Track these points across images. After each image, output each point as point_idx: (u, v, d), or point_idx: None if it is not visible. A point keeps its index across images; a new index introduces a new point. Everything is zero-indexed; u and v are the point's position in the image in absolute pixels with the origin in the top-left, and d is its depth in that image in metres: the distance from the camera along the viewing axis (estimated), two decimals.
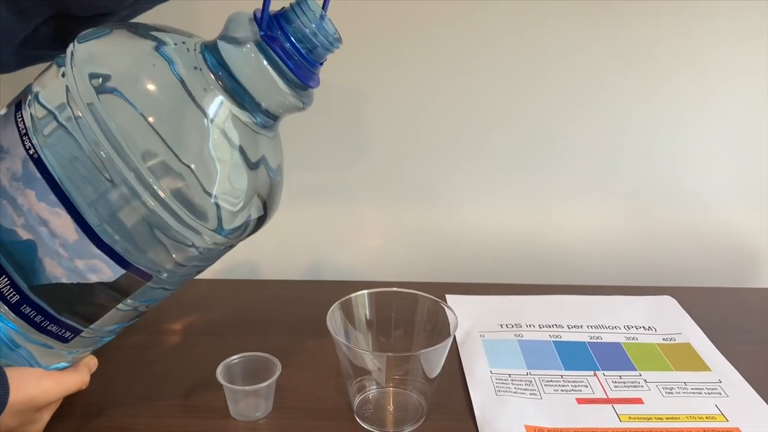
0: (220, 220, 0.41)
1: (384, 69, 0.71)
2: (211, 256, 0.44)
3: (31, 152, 0.39)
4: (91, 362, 0.49)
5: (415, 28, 0.69)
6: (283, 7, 0.42)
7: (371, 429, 0.50)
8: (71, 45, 0.40)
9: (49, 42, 0.42)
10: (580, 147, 0.75)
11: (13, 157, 0.39)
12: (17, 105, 0.41)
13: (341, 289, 0.54)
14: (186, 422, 0.50)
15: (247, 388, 0.50)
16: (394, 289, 0.53)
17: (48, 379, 0.44)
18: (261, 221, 0.44)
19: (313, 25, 0.41)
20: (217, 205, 0.40)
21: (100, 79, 0.38)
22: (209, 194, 0.40)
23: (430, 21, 0.69)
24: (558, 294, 0.69)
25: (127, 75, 0.39)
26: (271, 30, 0.40)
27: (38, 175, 0.38)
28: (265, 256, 0.77)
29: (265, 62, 0.40)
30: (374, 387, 0.50)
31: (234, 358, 0.52)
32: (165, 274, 0.42)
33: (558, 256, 0.79)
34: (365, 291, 0.54)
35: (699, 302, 0.69)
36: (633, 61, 0.71)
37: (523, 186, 0.76)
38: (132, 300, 0.43)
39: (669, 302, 0.69)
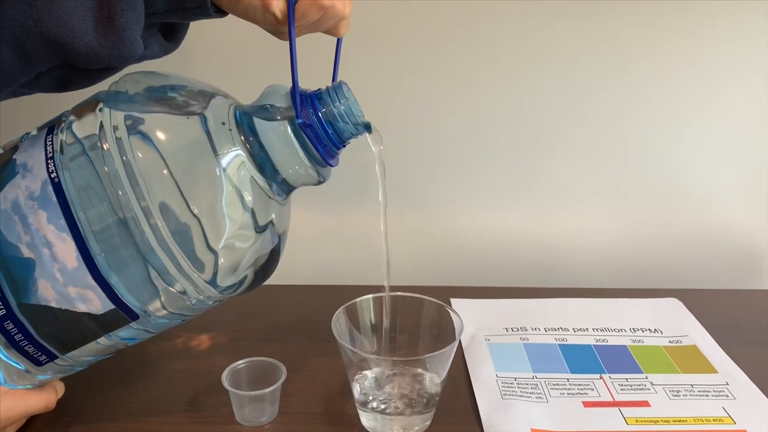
0: (216, 274, 0.41)
1: (386, 72, 0.71)
2: (201, 308, 0.44)
3: (53, 176, 0.39)
4: (58, 386, 0.49)
5: (417, 30, 0.70)
6: (320, 89, 0.43)
7: None
8: (114, 84, 0.42)
9: (49, 88, 0.43)
10: (585, 149, 0.75)
11: (35, 177, 0.40)
12: (49, 129, 0.42)
13: (346, 293, 0.54)
14: (191, 427, 0.50)
15: (253, 393, 0.50)
16: (399, 293, 0.53)
17: (12, 396, 0.45)
18: (256, 282, 0.45)
19: (346, 113, 0.42)
20: (217, 260, 0.41)
21: (134, 120, 0.39)
22: (212, 249, 0.40)
23: (433, 22, 0.69)
24: (563, 297, 0.69)
25: (159, 121, 0.40)
26: (304, 106, 0.42)
27: (54, 198, 0.39)
28: None
29: (296, 143, 0.42)
30: (380, 392, 0.50)
31: (239, 363, 0.52)
32: (152, 317, 0.43)
33: (563, 259, 0.79)
34: (370, 295, 0.53)
35: (705, 304, 0.68)
36: (636, 63, 0.71)
37: (528, 189, 0.76)
38: (113, 336, 0.43)
39: (675, 304, 0.69)
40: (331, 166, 0.45)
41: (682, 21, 0.69)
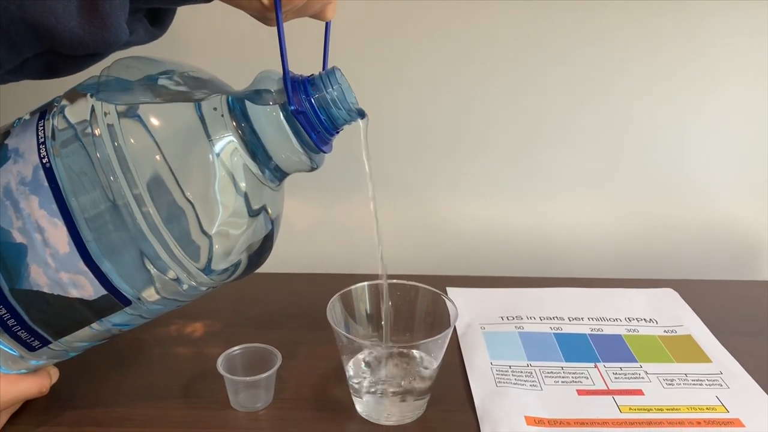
0: (209, 260, 0.41)
1: (383, 63, 0.71)
2: (193, 294, 0.44)
3: (44, 161, 0.39)
4: (52, 371, 0.49)
5: (414, 20, 0.69)
6: (312, 75, 0.43)
7: (371, 420, 0.50)
8: (105, 69, 0.41)
9: (35, 75, 0.42)
10: (582, 139, 0.74)
11: (26, 162, 0.40)
12: (41, 114, 0.42)
13: (342, 281, 0.54)
14: (186, 413, 0.50)
15: (248, 378, 0.50)
16: (395, 281, 0.53)
17: (5, 381, 0.45)
18: (249, 268, 0.45)
19: (339, 99, 0.42)
20: (210, 246, 0.41)
21: (126, 106, 0.39)
22: (205, 234, 0.40)
23: (430, 12, 0.69)
24: (559, 287, 0.69)
25: (151, 106, 0.39)
26: (297, 93, 0.41)
27: (45, 183, 0.39)
28: None
29: (289, 130, 0.41)
30: (374, 378, 0.50)
31: (235, 349, 0.52)
32: (145, 304, 0.43)
33: (559, 248, 0.79)
34: (365, 283, 0.54)
35: (700, 295, 0.68)
36: (635, 54, 0.71)
37: (525, 179, 0.76)
38: (106, 322, 0.43)
39: (671, 295, 0.69)
40: (324, 152, 0.44)
41: (682, 12, 0.69)
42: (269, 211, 0.44)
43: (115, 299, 0.41)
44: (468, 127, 0.74)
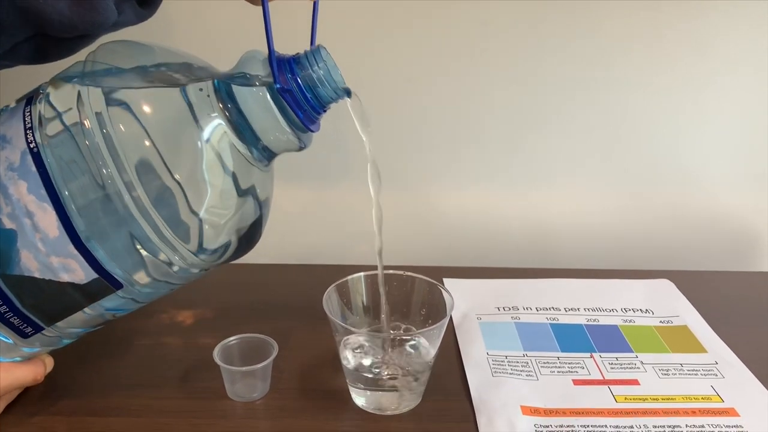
0: (199, 241, 0.41)
1: (380, 52, 0.71)
2: (186, 276, 0.44)
3: (31, 146, 0.39)
4: (47, 359, 0.49)
5: (411, 11, 0.69)
6: (298, 53, 0.43)
7: (368, 410, 0.50)
8: (91, 54, 0.41)
9: (27, 59, 0.43)
10: (579, 131, 0.74)
11: (14, 149, 0.40)
12: (28, 100, 0.41)
13: (338, 272, 0.54)
14: (183, 403, 0.51)
15: (244, 368, 0.50)
16: (391, 271, 0.53)
17: (0, 369, 0.45)
18: (240, 249, 0.45)
19: (325, 78, 0.42)
20: (200, 226, 0.41)
21: (112, 91, 0.39)
22: (195, 213, 0.40)
23: (427, 2, 0.69)
24: (555, 277, 0.69)
25: (137, 90, 0.39)
26: (282, 72, 0.41)
27: (33, 168, 0.39)
28: (262, 241, 0.76)
29: (275, 109, 0.41)
30: (371, 368, 0.50)
31: (231, 340, 0.52)
32: (137, 287, 0.42)
33: (556, 239, 0.79)
34: (361, 273, 0.54)
35: (697, 285, 0.69)
36: (634, 46, 0.70)
37: (521, 170, 0.76)
38: (99, 306, 0.43)
39: (667, 285, 0.69)
40: (312, 131, 0.44)
41: (681, 4, 0.69)
42: (258, 191, 0.44)
43: (106, 283, 0.41)
44: (465, 118, 0.74)
